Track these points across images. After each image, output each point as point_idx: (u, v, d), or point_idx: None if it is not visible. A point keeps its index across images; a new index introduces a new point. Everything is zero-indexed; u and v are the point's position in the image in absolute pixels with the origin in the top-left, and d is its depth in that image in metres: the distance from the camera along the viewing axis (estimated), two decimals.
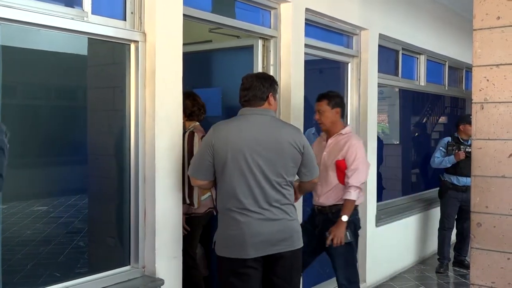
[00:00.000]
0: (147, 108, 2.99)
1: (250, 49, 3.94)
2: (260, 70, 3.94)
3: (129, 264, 3.03)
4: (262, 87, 2.93)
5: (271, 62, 3.98)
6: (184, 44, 3.13)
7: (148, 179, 3.00)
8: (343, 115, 3.78)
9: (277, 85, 3.06)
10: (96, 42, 2.96)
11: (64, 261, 3.43)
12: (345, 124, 3.86)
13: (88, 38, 2.89)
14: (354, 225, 3.68)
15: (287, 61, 3.99)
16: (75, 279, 2.79)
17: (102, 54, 3.20)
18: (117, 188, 3.15)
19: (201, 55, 4.38)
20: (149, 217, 3.00)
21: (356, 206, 3.68)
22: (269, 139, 2.86)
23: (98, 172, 3.26)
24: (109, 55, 3.17)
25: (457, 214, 6.00)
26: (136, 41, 2.96)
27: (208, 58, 4.43)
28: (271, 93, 2.96)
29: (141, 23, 2.99)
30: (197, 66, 4.31)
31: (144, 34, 2.98)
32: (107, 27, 2.83)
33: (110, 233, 3.32)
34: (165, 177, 3.02)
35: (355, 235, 3.69)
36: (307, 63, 4.21)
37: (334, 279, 4.90)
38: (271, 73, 3.96)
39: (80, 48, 3.08)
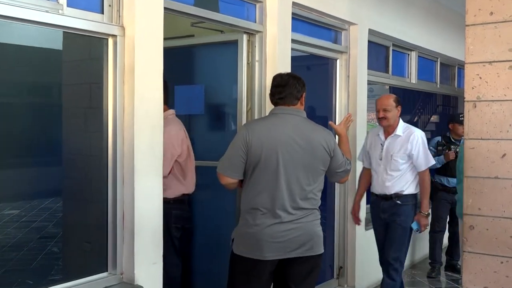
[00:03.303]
0: (125, 106, 2.91)
1: (234, 44, 3.87)
2: (244, 66, 3.87)
3: (107, 271, 2.94)
4: (298, 85, 2.98)
5: (256, 58, 3.90)
6: (165, 39, 3.05)
7: (126, 180, 2.91)
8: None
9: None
10: (71, 36, 2.89)
11: (37, 268, 3.38)
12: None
13: (63, 32, 2.81)
14: None
15: (273, 57, 3.91)
16: (49, 286, 2.71)
17: (78, 49, 3.13)
18: (94, 190, 3.08)
19: (183, 51, 4.31)
20: (127, 221, 2.91)
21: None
22: (302, 140, 2.88)
23: (73, 173, 3.20)
24: (85, 49, 3.11)
25: (449, 216, 5.94)
26: (114, 35, 2.87)
27: (190, 53, 4.35)
28: (304, 93, 3.02)
29: (119, 16, 2.90)
30: (179, 62, 4.23)
31: (123, 28, 2.89)
32: (83, 21, 2.73)
33: (86, 237, 3.25)
34: (144, 178, 2.93)
35: None
36: (294, 59, 4.14)
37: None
38: (256, 70, 3.90)
39: (55, 42, 3.02)
